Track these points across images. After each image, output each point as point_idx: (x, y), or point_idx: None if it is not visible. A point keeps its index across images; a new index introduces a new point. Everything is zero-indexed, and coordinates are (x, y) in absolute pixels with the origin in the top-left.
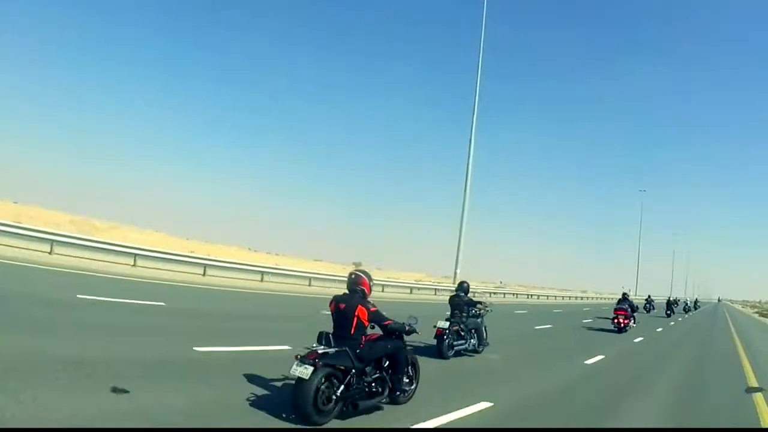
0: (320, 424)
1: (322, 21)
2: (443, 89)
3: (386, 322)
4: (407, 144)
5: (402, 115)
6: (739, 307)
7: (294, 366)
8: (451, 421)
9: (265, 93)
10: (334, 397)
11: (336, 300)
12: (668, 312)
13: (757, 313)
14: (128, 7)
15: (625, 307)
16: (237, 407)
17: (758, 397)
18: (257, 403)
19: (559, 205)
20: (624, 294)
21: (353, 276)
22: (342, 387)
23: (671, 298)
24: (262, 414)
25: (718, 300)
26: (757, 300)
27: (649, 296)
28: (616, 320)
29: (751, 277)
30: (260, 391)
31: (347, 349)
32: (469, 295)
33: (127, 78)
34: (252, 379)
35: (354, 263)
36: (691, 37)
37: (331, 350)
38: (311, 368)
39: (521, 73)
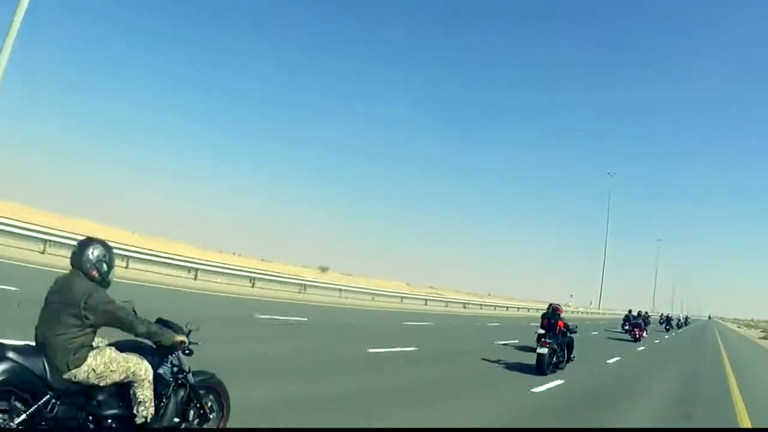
0: (546, 375)
1: (319, 26)
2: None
3: (569, 328)
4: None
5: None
6: (734, 327)
7: (538, 347)
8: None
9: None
10: (551, 362)
11: (547, 317)
12: (667, 327)
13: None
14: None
15: (639, 321)
16: (499, 372)
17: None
18: (507, 368)
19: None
20: (638, 311)
21: (554, 305)
22: (554, 358)
23: (667, 315)
24: (514, 372)
25: (709, 317)
26: (749, 318)
27: (646, 312)
28: (632, 331)
29: (743, 296)
30: (504, 364)
31: (554, 340)
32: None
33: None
34: (491, 359)
35: (320, 267)
36: (684, 46)
37: (550, 341)
38: (546, 348)
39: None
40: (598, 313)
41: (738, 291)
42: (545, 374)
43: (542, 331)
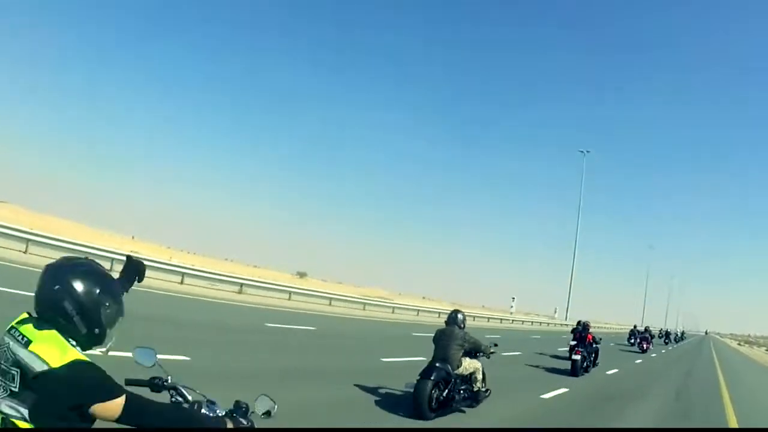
0: (578, 376)
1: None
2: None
3: (595, 340)
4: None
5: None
6: (733, 344)
7: (572, 354)
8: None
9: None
10: (582, 366)
11: (578, 331)
12: (666, 340)
13: None
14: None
15: (646, 335)
16: (508, 381)
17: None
18: (516, 378)
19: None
20: (645, 327)
21: (584, 322)
22: (584, 363)
23: (666, 330)
24: (523, 381)
25: (705, 332)
26: (747, 334)
27: (646, 328)
28: (641, 344)
29: (739, 312)
30: (511, 374)
31: (585, 349)
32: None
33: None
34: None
35: (299, 272)
36: (678, 56)
37: (582, 349)
38: (579, 356)
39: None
40: (565, 325)
41: (734, 307)
42: (577, 376)
43: (574, 342)
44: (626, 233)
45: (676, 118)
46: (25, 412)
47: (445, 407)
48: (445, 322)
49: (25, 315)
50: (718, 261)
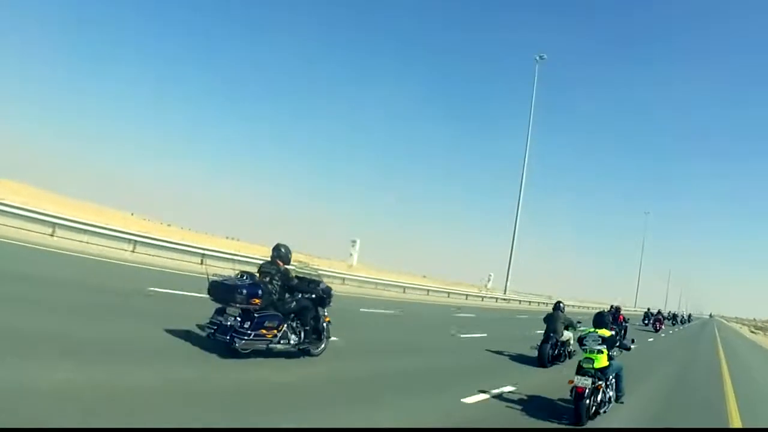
0: None
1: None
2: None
3: (625, 319)
4: None
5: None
6: (744, 331)
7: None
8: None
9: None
10: None
11: (611, 313)
12: (673, 322)
13: None
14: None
15: (659, 317)
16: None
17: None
18: None
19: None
20: (658, 310)
21: (616, 305)
22: (618, 336)
23: (674, 313)
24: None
25: (710, 316)
26: (752, 318)
27: (659, 311)
28: (654, 324)
29: (744, 295)
30: None
31: (616, 327)
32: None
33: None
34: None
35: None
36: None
37: (614, 326)
38: (612, 332)
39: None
40: (505, 301)
41: (740, 290)
42: None
43: None
44: (618, 212)
45: (678, 100)
46: (603, 346)
47: (555, 360)
48: (552, 308)
49: (591, 328)
50: (723, 244)
